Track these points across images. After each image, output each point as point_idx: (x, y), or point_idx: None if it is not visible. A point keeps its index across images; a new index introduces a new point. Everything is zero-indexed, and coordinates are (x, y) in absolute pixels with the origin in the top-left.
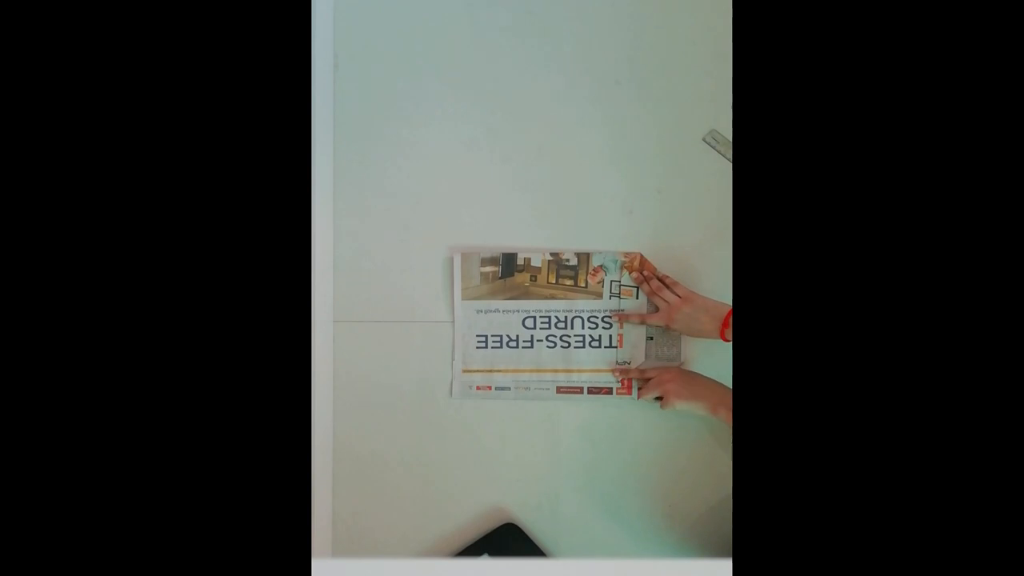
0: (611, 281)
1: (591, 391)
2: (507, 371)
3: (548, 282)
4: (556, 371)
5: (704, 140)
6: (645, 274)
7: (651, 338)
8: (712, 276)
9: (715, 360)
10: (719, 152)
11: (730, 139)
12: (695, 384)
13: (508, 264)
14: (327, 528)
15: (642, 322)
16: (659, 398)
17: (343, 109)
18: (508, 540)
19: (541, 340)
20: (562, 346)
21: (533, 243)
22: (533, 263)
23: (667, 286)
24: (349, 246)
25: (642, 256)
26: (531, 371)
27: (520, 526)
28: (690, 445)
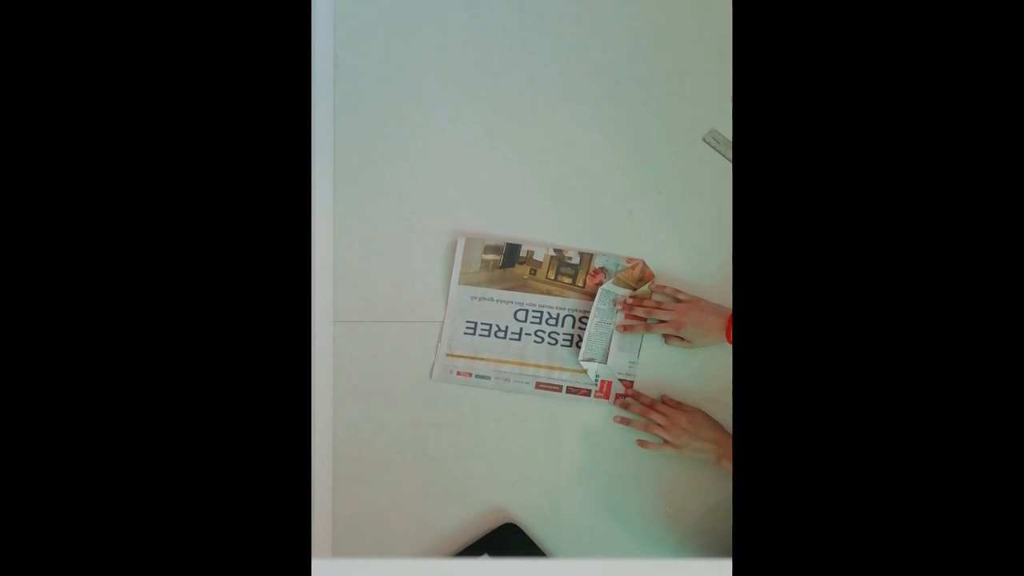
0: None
1: (570, 391)
2: (490, 360)
3: (547, 278)
4: (538, 366)
5: (704, 140)
6: (630, 302)
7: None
8: (712, 276)
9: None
10: (719, 152)
11: (730, 139)
12: (701, 433)
13: (511, 255)
14: (327, 528)
15: (648, 329)
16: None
17: (343, 109)
18: (508, 540)
19: (529, 334)
20: (549, 343)
21: (536, 239)
22: (535, 257)
23: (667, 295)
24: (349, 246)
25: (644, 263)
26: (513, 363)
27: (520, 526)
28: None
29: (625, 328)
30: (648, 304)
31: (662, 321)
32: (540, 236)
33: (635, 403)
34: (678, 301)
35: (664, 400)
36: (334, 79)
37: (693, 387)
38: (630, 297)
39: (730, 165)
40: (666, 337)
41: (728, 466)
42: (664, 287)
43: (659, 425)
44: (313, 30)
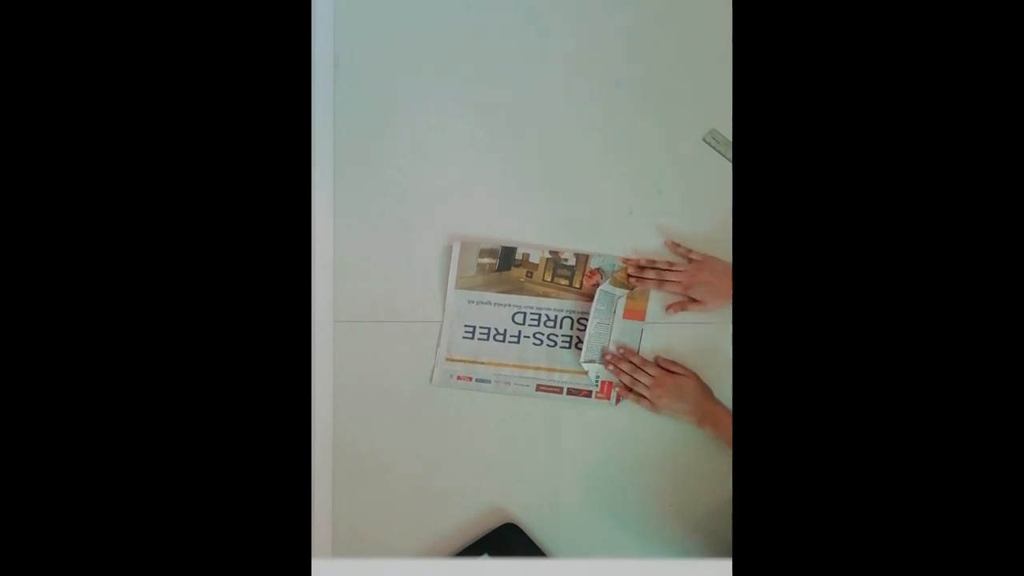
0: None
1: (571, 392)
2: (490, 364)
3: (543, 280)
4: (538, 369)
5: (704, 140)
6: (643, 263)
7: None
8: None
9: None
10: (719, 152)
11: (730, 139)
12: (684, 397)
13: (506, 258)
14: (327, 528)
15: (660, 287)
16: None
17: (343, 109)
18: (508, 540)
19: (528, 337)
20: (548, 345)
21: (534, 241)
22: (531, 259)
23: (680, 255)
24: (349, 246)
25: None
26: (513, 366)
27: (520, 526)
28: (691, 445)
29: (637, 280)
30: (660, 264)
31: (674, 281)
32: (541, 236)
33: (626, 363)
34: (690, 261)
35: (658, 361)
36: (334, 79)
37: None
38: (642, 259)
39: (730, 165)
40: (679, 305)
41: (709, 431)
42: (677, 246)
43: (644, 385)
44: (313, 30)
